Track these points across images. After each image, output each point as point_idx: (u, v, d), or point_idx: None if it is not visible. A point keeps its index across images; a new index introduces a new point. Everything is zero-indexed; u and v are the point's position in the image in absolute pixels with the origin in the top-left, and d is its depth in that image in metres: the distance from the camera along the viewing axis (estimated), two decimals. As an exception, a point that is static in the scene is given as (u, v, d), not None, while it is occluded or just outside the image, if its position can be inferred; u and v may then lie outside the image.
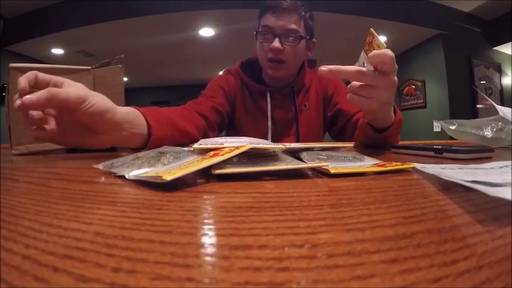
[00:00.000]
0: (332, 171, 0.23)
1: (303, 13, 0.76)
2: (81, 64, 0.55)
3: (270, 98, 0.81)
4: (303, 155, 0.28)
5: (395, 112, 0.50)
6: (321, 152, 0.30)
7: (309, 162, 0.26)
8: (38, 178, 0.26)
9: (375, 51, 0.40)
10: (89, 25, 2.82)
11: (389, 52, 0.40)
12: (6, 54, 3.02)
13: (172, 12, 2.72)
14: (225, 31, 3.06)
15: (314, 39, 0.83)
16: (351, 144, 0.36)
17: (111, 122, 0.39)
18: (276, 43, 0.73)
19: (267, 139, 0.78)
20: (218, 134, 0.79)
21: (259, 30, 0.78)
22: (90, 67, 0.54)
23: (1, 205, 0.15)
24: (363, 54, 0.44)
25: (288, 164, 0.24)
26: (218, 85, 0.81)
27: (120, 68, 0.56)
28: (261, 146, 0.26)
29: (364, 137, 0.54)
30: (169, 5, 2.69)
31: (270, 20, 0.75)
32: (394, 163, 0.26)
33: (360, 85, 0.43)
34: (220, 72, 0.90)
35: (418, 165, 0.24)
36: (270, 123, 0.79)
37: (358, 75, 0.42)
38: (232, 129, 0.85)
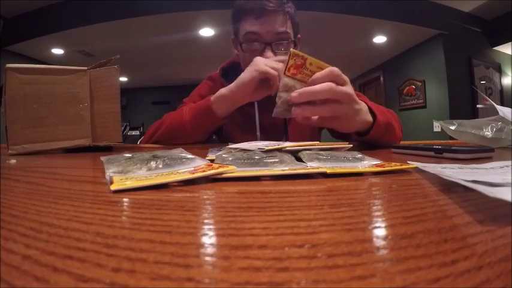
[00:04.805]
0: (328, 171, 0.22)
1: (289, 10, 0.66)
2: (81, 64, 0.55)
3: (258, 104, 0.73)
4: (303, 154, 0.28)
5: (376, 116, 0.50)
6: (321, 152, 0.29)
7: (308, 163, 0.26)
8: (38, 178, 0.26)
9: (322, 73, 0.41)
10: (89, 25, 2.82)
11: (334, 69, 0.41)
12: (6, 54, 3.02)
13: (172, 12, 2.72)
14: (225, 31, 3.06)
15: (299, 35, 0.74)
16: (349, 145, 0.36)
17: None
18: (269, 53, 0.64)
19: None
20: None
21: (242, 37, 0.67)
22: (86, 68, 0.54)
23: (1, 205, 0.15)
24: (287, 80, 0.43)
25: (287, 166, 0.24)
26: (199, 94, 0.76)
27: (115, 69, 0.56)
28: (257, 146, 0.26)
29: (355, 140, 0.55)
30: (169, 5, 2.69)
31: (254, 25, 0.64)
32: (393, 163, 0.26)
33: (323, 103, 0.43)
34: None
35: (419, 165, 0.24)
36: (258, 132, 0.72)
37: (331, 93, 0.41)
38: (221, 138, 0.81)
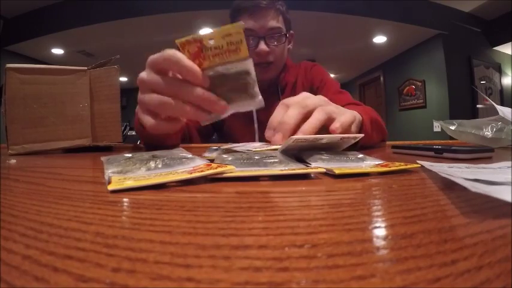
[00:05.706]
0: (337, 171, 0.22)
1: (280, 7, 0.73)
2: (82, 64, 0.55)
3: None
4: (305, 154, 0.28)
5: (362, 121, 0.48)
6: (322, 153, 0.29)
7: (312, 163, 0.26)
8: (38, 178, 0.26)
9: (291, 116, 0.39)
10: (89, 25, 2.82)
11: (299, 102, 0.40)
12: (6, 54, 3.03)
13: (172, 12, 2.72)
14: (225, 31, 3.05)
15: (292, 31, 0.80)
16: (360, 135, 0.33)
17: None
18: (263, 46, 0.70)
19: (254, 141, 0.78)
20: (204, 139, 0.77)
21: None
22: (86, 68, 0.54)
23: (1, 205, 0.15)
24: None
25: (287, 166, 0.24)
26: None
27: (115, 69, 0.56)
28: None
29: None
30: (169, 5, 2.70)
31: (248, 22, 0.71)
32: (398, 163, 0.26)
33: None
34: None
35: (426, 164, 0.24)
36: (256, 125, 0.77)
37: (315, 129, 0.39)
38: (222, 133, 0.84)
